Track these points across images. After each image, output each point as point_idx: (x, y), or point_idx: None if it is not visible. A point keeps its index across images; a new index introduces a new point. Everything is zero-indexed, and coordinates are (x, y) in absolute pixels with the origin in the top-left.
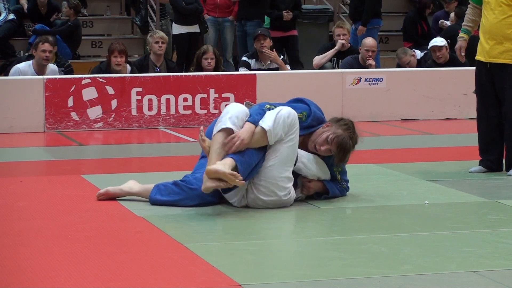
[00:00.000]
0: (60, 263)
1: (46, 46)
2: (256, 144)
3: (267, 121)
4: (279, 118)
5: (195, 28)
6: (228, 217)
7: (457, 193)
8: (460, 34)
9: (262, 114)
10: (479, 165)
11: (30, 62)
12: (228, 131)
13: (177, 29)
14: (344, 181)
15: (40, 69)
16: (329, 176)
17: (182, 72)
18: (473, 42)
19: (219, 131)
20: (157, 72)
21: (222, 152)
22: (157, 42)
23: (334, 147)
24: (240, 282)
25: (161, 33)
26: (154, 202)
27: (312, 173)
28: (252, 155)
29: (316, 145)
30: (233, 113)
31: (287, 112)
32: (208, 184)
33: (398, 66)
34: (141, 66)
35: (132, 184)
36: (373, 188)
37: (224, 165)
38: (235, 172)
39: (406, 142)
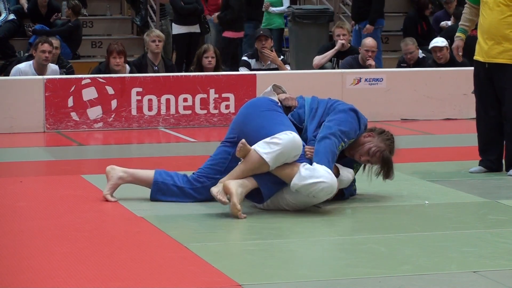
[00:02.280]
0: (60, 263)
1: (46, 46)
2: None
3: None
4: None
5: (195, 29)
6: (228, 217)
7: (457, 193)
8: (457, 34)
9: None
10: (479, 165)
11: (31, 62)
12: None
13: (177, 29)
14: (354, 182)
15: (40, 69)
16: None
17: (181, 71)
18: (472, 41)
19: (258, 154)
20: (155, 70)
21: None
22: (153, 41)
23: (376, 161)
24: (240, 282)
25: (158, 32)
26: (154, 200)
27: (343, 185)
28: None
29: (356, 153)
30: (284, 150)
31: (288, 147)
32: (219, 197)
33: (400, 61)
34: (140, 65)
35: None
36: (373, 188)
37: (240, 186)
38: (239, 207)
39: (406, 142)
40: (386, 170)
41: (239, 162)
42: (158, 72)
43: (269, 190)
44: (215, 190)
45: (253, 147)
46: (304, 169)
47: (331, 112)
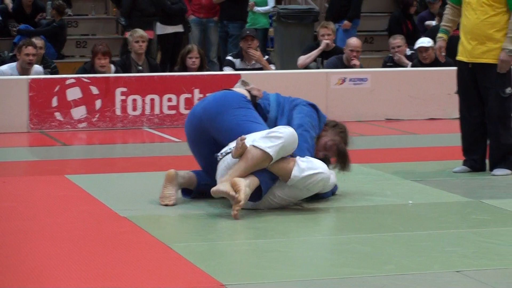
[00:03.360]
0: (43, 264)
1: (30, 49)
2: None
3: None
4: (282, 148)
5: (179, 28)
6: (211, 217)
7: (441, 193)
8: (439, 34)
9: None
10: (463, 165)
11: (14, 64)
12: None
13: (162, 29)
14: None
15: (24, 72)
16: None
17: (166, 71)
18: (455, 41)
19: (261, 149)
20: (139, 70)
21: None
22: (137, 42)
23: (333, 154)
24: (224, 282)
25: (141, 32)
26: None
27: (329, 187)
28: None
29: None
30: (286, 143)
31: (290, 139)
32: (232, 194)
33: (386, 60)
34: (124, 65)
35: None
36: (357, 188)
37: (248, 186)
38: (241, 206)
39: (390, 142)
40: (342, 162)
41: (238, 160)
42: (142, 72)
43: (266, 186)
44: (225, 188)
45: (249, 143)
46: (301, 161)
47: (294, 107)
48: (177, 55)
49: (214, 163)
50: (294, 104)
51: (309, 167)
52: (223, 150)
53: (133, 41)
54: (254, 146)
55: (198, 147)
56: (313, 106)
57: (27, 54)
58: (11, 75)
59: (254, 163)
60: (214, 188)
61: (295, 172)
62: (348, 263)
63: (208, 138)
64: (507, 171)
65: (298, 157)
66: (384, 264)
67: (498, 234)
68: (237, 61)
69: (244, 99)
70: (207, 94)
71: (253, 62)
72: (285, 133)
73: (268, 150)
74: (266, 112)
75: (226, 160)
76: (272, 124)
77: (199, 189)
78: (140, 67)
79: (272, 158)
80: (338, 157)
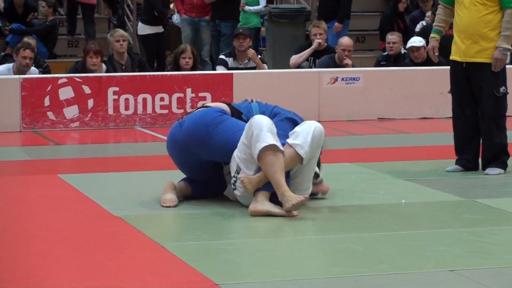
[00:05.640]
0: (36, 263)
1: (27, 52)
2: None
3: (304, 146)
4: (313, 142)
5: (159, 29)
6: (204, 216)
7: (434, 192)
8: (432, 35)
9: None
10: (456, 164)
11: (11, 65)
12: (274, 148)
13: (145, 29)
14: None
15: (20, 73)
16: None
17: (153, 70)
18: (448, 41)
19: (267, 149)
20: (124, 70)
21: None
22: (118, 41)
23: None
24: (217, 282)
25: (121, 31)
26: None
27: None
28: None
29: None
30: (266, 127)
31: (319, 133)
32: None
33: (379, 59)
34: (108, 68)
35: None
36: (349, 187)
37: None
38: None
39: (383, 141)
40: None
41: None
42: (126, 71)
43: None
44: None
45: (287, 144)
46: (293, 140)
47: (275, 116)
48: (162, 54)
49: (202, 173)
50: (274, 112)
51: (302, 135)
52: (232, 181)
53: (114, 41)
54: (293, 147)
55: (186, 165)
56: (292, 120)
57: (24, 57)
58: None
59: (287, 164)
60: (263, 209)
61: (300, 150)
62: (341, 263)
63: (196, 158)
64: (500, 171)
65: (287, 140)
66: (377, 264)
67: (491, 233)
68: (229, 60)
69: (219, 113)
70: (184, 116)
71: (246, 61)
72: (260, 121)
73: (301, 152)
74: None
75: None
76: None
77: (194, 197)
78: (124, 67)
79: (281, 149)
80: None
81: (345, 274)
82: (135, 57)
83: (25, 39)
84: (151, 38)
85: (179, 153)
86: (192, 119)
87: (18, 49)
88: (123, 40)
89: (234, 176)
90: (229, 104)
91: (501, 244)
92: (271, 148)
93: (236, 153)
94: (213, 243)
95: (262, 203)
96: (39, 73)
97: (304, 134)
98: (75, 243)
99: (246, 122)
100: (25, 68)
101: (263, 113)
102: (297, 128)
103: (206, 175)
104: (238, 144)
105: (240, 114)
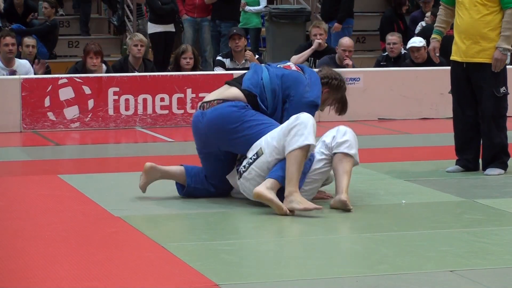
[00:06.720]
0: (37, 263)
1: (8, 39)
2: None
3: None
4: (312, 130)
5: (170, 28)
6: (205, 217)
7: (434, 193)
8: (433, 35)
9: None
10: (456, 164)
11: None
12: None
13: (153, 28)
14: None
15: (7, 62)
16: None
17: (161, 70)
18: (449, 41)
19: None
20: None
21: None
22: (136, 45)
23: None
24: (217, 282)
25: (140, 36)
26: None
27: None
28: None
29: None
30: (311, 128)
31: (313, 122)
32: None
33: (379, 60)
34: (120, 68)
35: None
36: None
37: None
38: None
39: (383, 141)
40: (342, 107)
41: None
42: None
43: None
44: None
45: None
46: (349, 150)
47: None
48: (169, 54)
49: (221, 172)
50: (286, 94)
51: (298, 128)
52: (244, 163)
53: (132, 45)
54: (347, 154)
55: (206, 156)
56: (315, 105)
57: (6, 44)
58: None
59: (299, 161)
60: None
61: (357, 159)
62: (341, 263)
63: (214, 149)
64: (500, 171)
65: (348, 152)
66: (377, 264)
67: (491, 234)
68: (227, 61)
69: (240, 110)
70: (205, 105)
71: (243, 61)
72: (301, 119)
73: (306, 143)
74: (264, 110)
75: (251, 171)
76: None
77: (188, 191)
78: (137, 71)
79: (310, 145)
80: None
81: (345, 275)
82: (148, 64)
83: (25, 38)
84: (158, 37)
85: (199, 139)
86: (214, 115)
87: None
88: (141, 45)
89: (244, 166)
90: (243, 91)
91: (501, 244)
92: (307, 148)
93: (266, 138)
94: (213, 243)
95: (270, 191)
96: (33, 68)
97: (354, 143)
98: (75, 243)
99: (263, 105)
100: (9, 55)
101: (274, 90)
102: (346, 137)
103: (219, 168)
104: (275, 132)
105: (255, 98)
